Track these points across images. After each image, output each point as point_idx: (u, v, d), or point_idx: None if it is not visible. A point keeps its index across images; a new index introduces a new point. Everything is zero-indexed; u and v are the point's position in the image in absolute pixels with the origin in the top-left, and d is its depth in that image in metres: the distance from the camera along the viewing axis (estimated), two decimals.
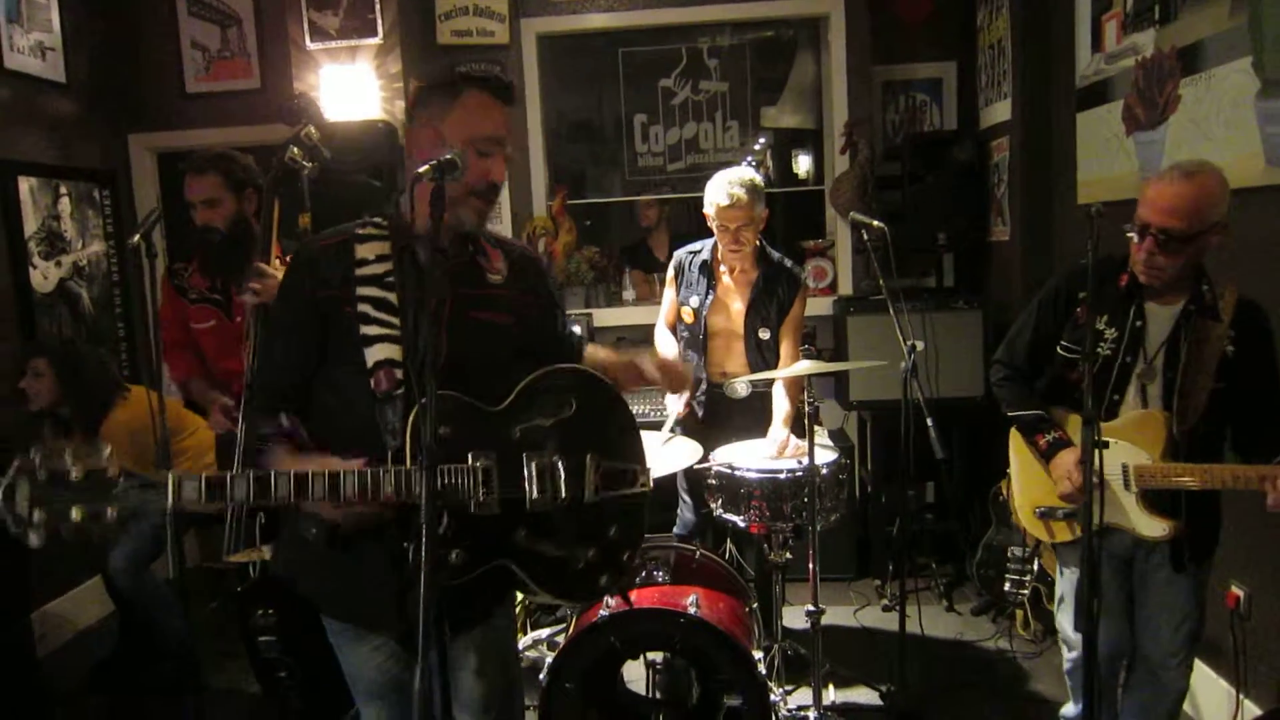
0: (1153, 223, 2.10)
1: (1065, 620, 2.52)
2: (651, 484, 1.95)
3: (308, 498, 1.60)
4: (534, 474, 1.78)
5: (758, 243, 3.19)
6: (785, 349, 3.23)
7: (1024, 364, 2.45)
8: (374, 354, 1.74)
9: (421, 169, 1.56)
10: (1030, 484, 2.47)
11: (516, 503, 1.76)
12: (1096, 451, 1.97)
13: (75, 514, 1.46)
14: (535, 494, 1.77)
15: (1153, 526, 2.23)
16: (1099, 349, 2.26)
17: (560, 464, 1.80)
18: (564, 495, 1.80)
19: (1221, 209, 2.09)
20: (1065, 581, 2.51)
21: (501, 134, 1.79)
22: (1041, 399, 2.43)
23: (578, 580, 1.85)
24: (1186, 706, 3.01)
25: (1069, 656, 2.56)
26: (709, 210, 3.14)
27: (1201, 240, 2.09)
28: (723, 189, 3.05)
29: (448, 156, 1.59)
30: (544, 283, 2.00)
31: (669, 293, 3.41)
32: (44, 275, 4.08)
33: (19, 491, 1.43)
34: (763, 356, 3.25)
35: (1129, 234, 2.15)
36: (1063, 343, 2.35)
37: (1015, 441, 2.52)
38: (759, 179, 3.13)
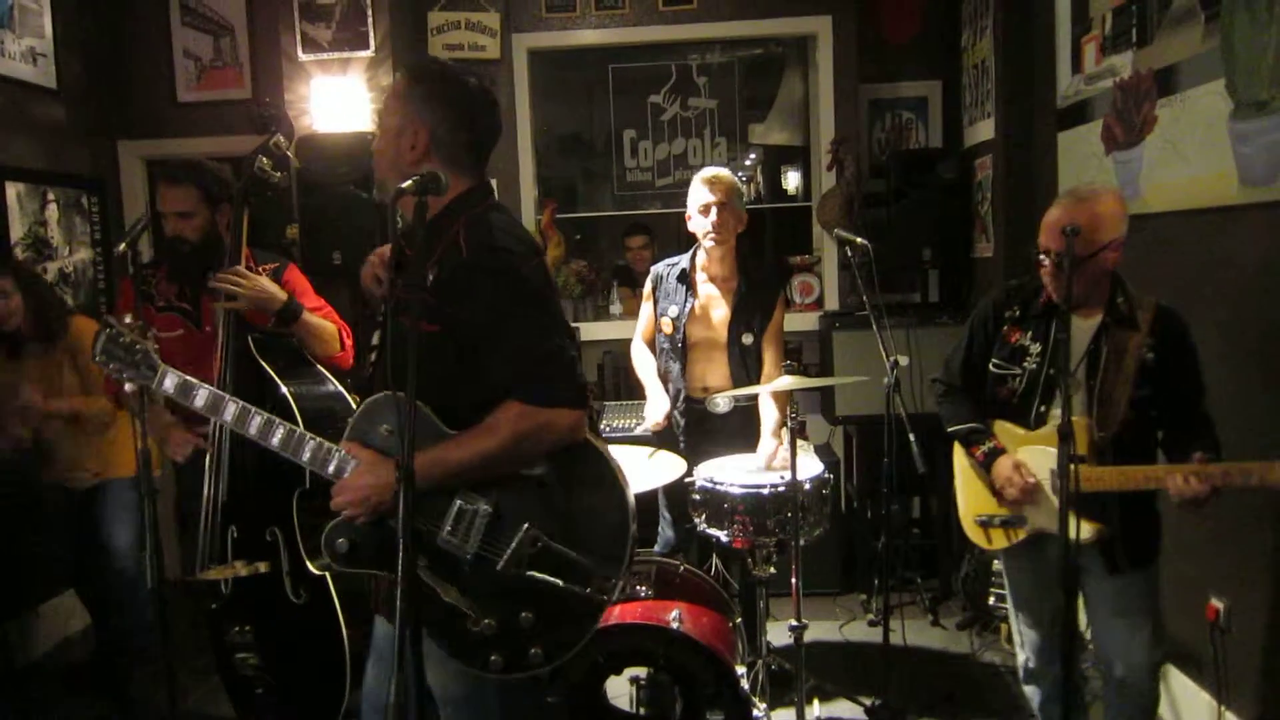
0: (1050, 247, 2.21)
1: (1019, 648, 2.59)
2: (610, 600, 1.74)
3: (246, 431, 1.96)
4: (454, 512, 1.73)
5: (734, 255, 3.23)
6: (769, 357, 3.24)
7: (959, 381, 2.55)
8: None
9: (405, 184, 1.61)
10: (971, 494, 2.55)
11: (427, 532, 1.74)
12: (1032, 460, 2.10)
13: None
14: (446, 532, 1.74)
15: (1080, 529, 2.23)
16: (1025, 363, 2.36)
17: (486, 515, 1.73)
18: (470, 549, 1.73)
19: (1116, 229, 2.19)
20: (1009, 593, 2.60)
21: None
22: (979, 413, 2.49)
23: (470, 642, 1.73)
24: (1169, 717, 3.04)
25: (1021, 660, 2.59)
26: (692, 206, 3.19)
27: (1099, 258, 2.18)
28: (703, 172, 3.20)
29: (430, 171, 1.64)
30: (481, 297, 1.71)
31: (646, 307, 3.42)
32: None
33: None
34: (745, 365, 3.24)
35: (1036, 258, 2.25)
36: (994, 360, 2.44)
37: (958, 455, 2.59)
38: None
